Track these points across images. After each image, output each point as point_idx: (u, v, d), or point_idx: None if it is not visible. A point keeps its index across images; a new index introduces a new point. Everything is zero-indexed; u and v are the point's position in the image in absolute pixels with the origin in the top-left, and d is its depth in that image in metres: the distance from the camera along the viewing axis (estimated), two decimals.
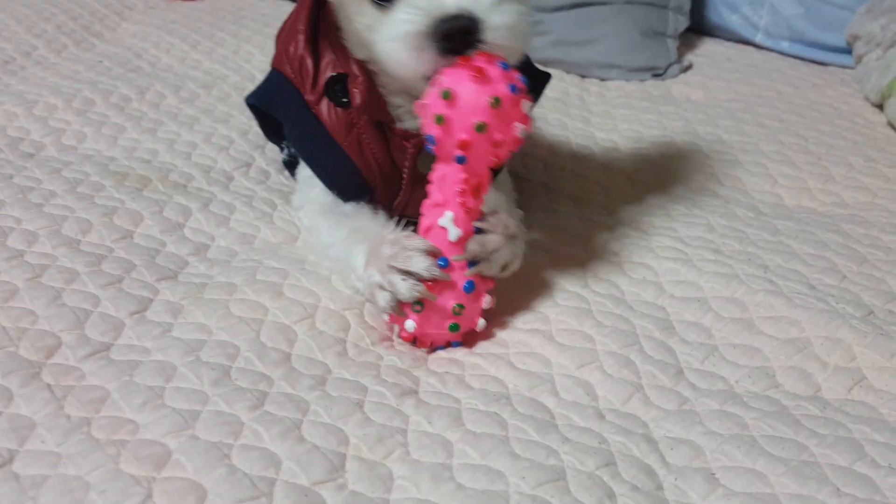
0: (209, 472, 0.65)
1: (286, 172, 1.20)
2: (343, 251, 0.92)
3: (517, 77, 0.82)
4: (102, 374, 0.75)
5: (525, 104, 0.82)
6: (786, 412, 0.76)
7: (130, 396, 0.72)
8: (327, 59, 0.96)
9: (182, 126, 1.30)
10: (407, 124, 0.94)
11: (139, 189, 1.08)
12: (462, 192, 0.83)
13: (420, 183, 0.90)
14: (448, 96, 0.79)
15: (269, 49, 1.66)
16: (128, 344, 0.80)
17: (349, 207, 0.99)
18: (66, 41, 1.63)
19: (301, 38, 0.98)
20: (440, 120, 0.80)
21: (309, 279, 0.92)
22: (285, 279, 0.92)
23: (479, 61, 0.80)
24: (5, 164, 1.11)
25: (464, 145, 0.80)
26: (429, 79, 0.83)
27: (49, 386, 0.74)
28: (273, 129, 1.10)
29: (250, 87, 1.49)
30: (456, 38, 0.81)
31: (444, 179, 0.83)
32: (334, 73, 0.95)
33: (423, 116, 0.82)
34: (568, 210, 1.17)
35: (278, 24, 1.86)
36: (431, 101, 0.81)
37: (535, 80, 1.06)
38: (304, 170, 1.03)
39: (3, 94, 1.34)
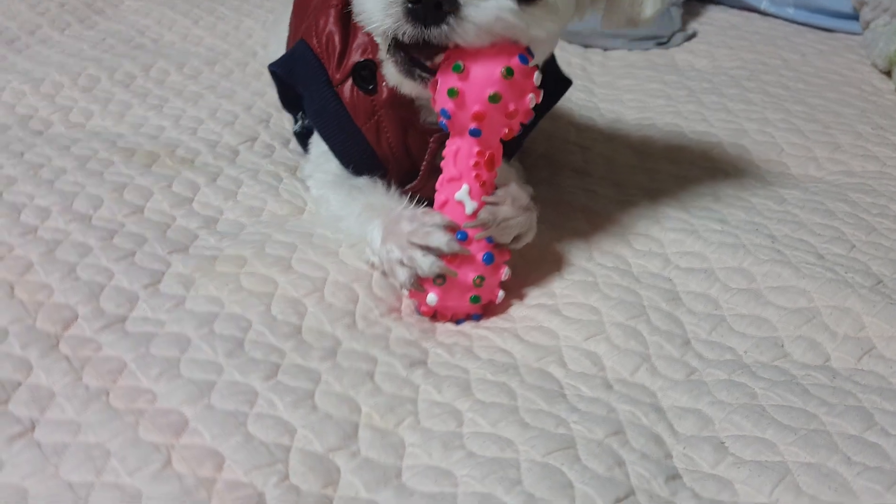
0: (226, 440, 0.66)
1: (291, 146, 1.21)
2: (357, 225, 0.92)
3: (525, 49, 0.82)
4: (119, 346, 0.76)
5: (536, 75, 0.82)
6: (795, 382, 0.76)
7: (147, 367, 0.73)
8: (360, 41, 0.95)
9: (187, 102, 1.30)
10: (430, 119, 0.93)
11: (147, 165, 1.09)
12: (476, 165, 0.83)
13: (436, 174, 0.90)
14: (460, 69, 0.79)
15: (269, 22, 1.66)
16: (142, 316, 0.81)
17: (362, 181, 0.99)
18: (69, 19, 1.62)
19: (332, 12, 0.98)
20: (453, 93, 0.80)
21: (317, 252, 0.93)
22: (293, 252, 0.92)
23: None
24: (16, 141, 1.11)
25: (478, 117, 0.81)
26: (388, 37, 0.82)
27: (67, 357, 0.75)
28: (290, 99, 1.10)
29: (252, 63, 1.51)
30: (425, 7, 0.78)
31: (459, 153, 0.84)
32: (363, 59, 0.94)
33: (434, 92, 0.82)
34: (571, 183, 1.17)
35: None
36: (443, 75, 0.81)
37: (556, 85, 1.05)
38: (319, 145, 1.03)
39: (10, 72, 1.34)
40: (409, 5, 0.79)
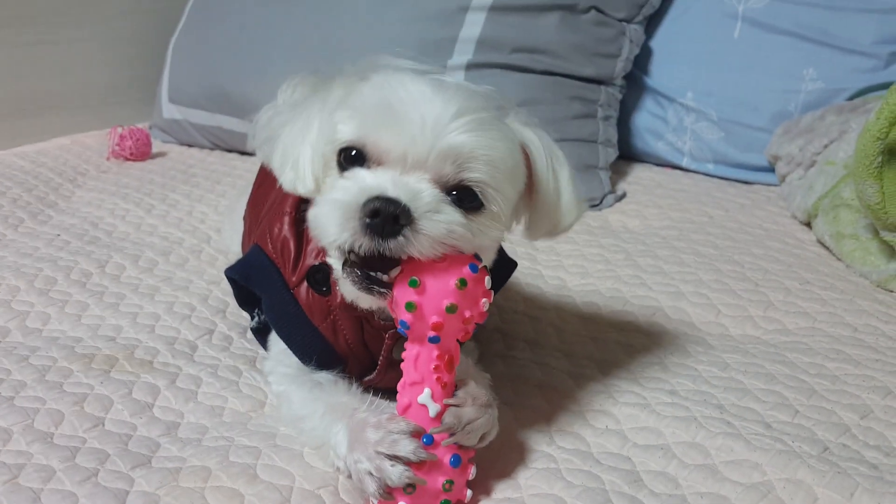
0: None
1: (249, 335, 1.23)
2: (321, 428, 0.94)
3: (474, 255, 0.88)
4: None
5: (486, 279, 0.87)
6: None
7: None
8: (313, 245, 0.99)
9: (143, 298, 1.32)
10: (384, 316, 0.97)
11: (107, 371, 1.10)
12: (437, 368, 0.87)
13: (393, 367, 0.93)
14: (416, 284, 0.84)
15: (221, 207, 1.72)
16: None
17: (323, 376, 1.02)
18: (22, 215, 1.65)
19: (286, 219, 1.03)
20: (411, 307, 0.84)
21: (281, 457, 0.94)
22: (258, 459, 0.93)
23: None
24: None
25: (437, 327, 0.85)
26: (343, 251, 0.86)
27: None
28: (245, 297, 1.13)
29: (207, 248, 1.54)
30: (383, 220, 0.82)
31: (419, 358, 0.87)
32: (318, 263, 0.99)
33: (392, 304, 0.86)
34: (524, 356, 1.21)
35: (229, 179, 1.94)
36: (400, 290, 0.85)
37: (501, 268, 1.11)
38: (278, 343, 1.06)
39: None
40: (368, 220, 0.83)
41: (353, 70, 0.95)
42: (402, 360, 0.88)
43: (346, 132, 0.89)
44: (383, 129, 0.86)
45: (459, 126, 0.85)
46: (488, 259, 0.94)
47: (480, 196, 0.88)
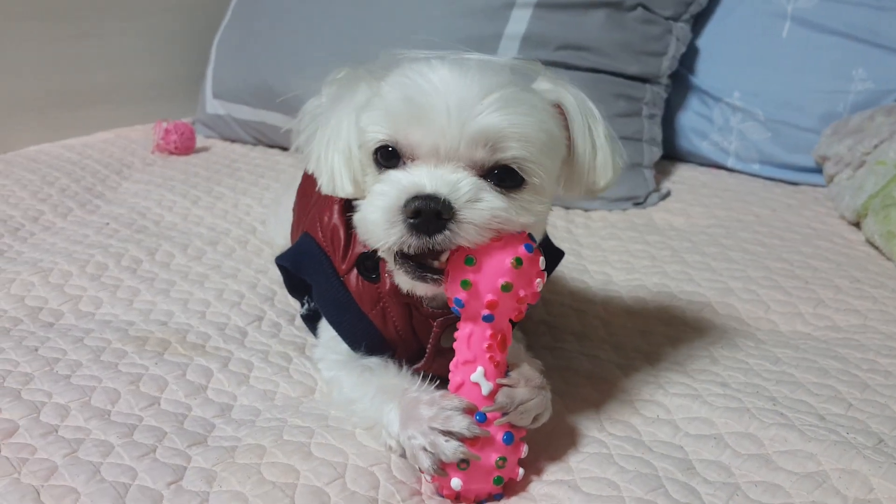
0: None
1: (297, 322, 1.24)
2: (372, 409, 0.94)
3: (528, 235, 0.88)
4: None
5: (541, 259, 0.88)
6: None
7: None
8: None
9: (193, 284, 1.34)
10: (433, 304, 0.98)
11: (160, 353, 1.11)
12: (490, 348, 0.87)
13: (441, 355, 0.94)
14: (472, 262, 0.85)
15: (266, 200, 1.74)
16: None
17: (373, 361, 1.02)
18: (70, 204, 1.68)
19: (336, 208, 1.04)
20: (467, 284, 0.85)
21: (334, 436, 0.94)
22: (311, 438, 0.94)
23: None
24: (28, 335, 1.14)
25: (491, 305, 0.85)
26: (394, 251, 0.87)
27: None
28: (295, 284, 1.14)
29: (252, 239, 1.56)
30: (426, 218, 0.83)
31: (472, 336, 0.87)
32: (367, 250, 0.99)
33: (446, 282, 0.87)
34: (572, 348, 1.21)
35: (272, 174, 1.96)
36: (455, 268, 0.86)
37: (549, 257, 1.11)
38: (328, 329, 1.07)
39: (17, 262, 1.38)
40: (412, 220, 0.84)
41: (373, 67, 0.95)
42: (451, 349, 0.89)
43: (376, 134, 0.89)
44: (410, 125, 0.86)
45: (485, 108, 0.84)
46: (538, 235, 0.94)
47: (520, 172, 0.87)
